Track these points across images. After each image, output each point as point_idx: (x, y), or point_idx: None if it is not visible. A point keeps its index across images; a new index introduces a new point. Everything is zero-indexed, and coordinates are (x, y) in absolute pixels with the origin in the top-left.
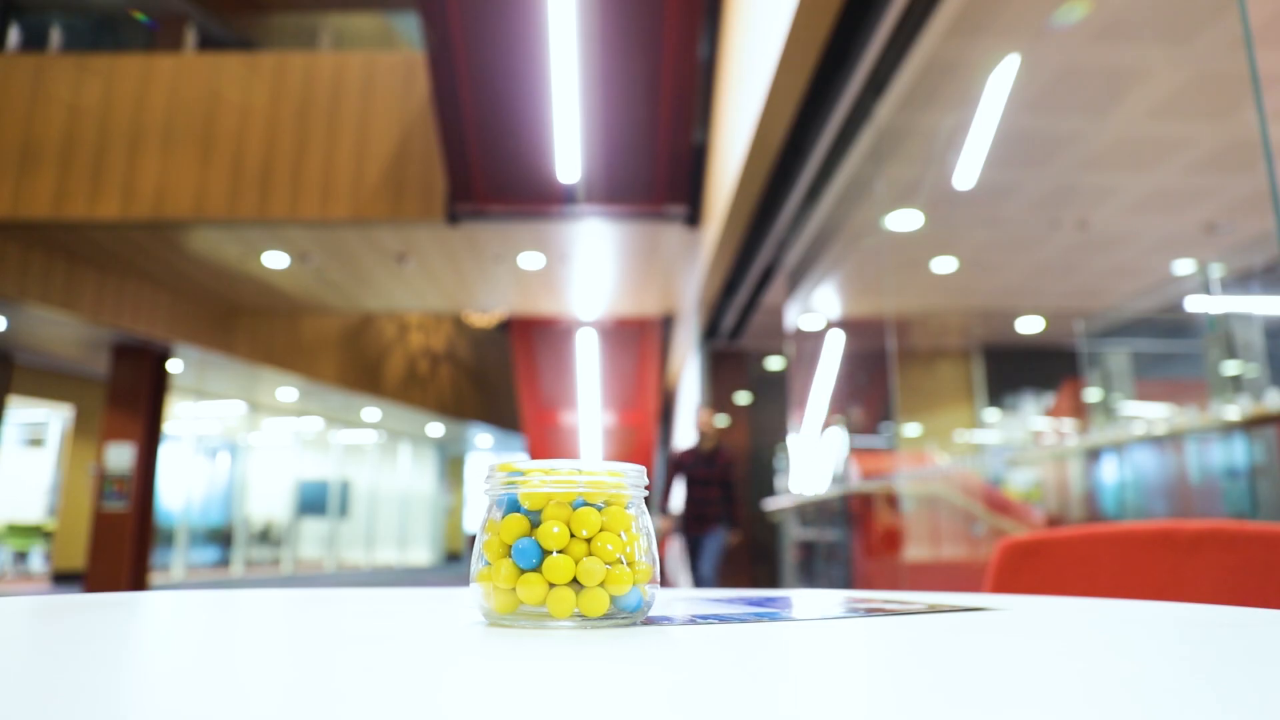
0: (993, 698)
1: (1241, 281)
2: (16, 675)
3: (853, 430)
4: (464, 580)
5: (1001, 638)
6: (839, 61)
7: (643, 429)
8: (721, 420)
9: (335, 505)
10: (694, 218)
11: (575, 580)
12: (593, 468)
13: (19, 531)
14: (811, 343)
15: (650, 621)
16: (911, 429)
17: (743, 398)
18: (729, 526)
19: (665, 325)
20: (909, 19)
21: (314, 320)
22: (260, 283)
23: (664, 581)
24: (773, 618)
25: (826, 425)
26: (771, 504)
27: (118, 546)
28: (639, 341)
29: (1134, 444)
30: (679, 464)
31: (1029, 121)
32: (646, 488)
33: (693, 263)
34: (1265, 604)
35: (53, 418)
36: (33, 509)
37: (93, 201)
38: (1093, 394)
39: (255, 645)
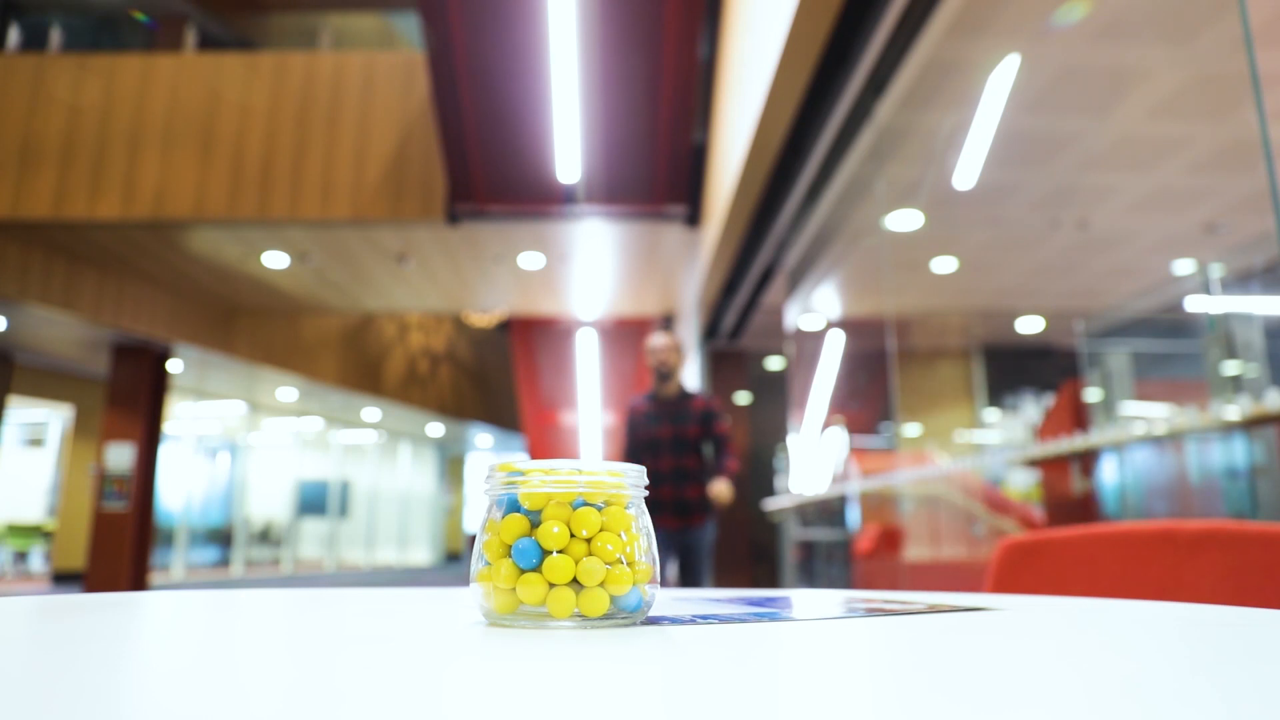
0: (993, 698)
1: (1241, 281)
2: (16, 675)
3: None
4: (464, 580)
5: (1001, 638)
6: (839, 61)
7: None
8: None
9: (335, 505)
10: (694, 218)
11: (575, 580)
12: (593, 468)
13: (19, 531)
14: (811, 343)
15: (650, 621)
16: (912, 429)
17: (743, 398)
18: (711, 508)
19: (665, 325)
20: (909, 19)
21: (314, 320)
22: (260, 283)
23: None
24: (773, 618)
25: (826, 425)
26: (771, 504)
27: (118, 546)
28: (639, 341)
29: (1134, 444)
30: (630, 424)
31: (1029, 121)
32: (646, 488)
33: (693, 263)
34: (1265, 604)
35: (53, 418)
36: (33, 509)
37: (93, 201)
38: (1093, 394)
39: (255, 645)
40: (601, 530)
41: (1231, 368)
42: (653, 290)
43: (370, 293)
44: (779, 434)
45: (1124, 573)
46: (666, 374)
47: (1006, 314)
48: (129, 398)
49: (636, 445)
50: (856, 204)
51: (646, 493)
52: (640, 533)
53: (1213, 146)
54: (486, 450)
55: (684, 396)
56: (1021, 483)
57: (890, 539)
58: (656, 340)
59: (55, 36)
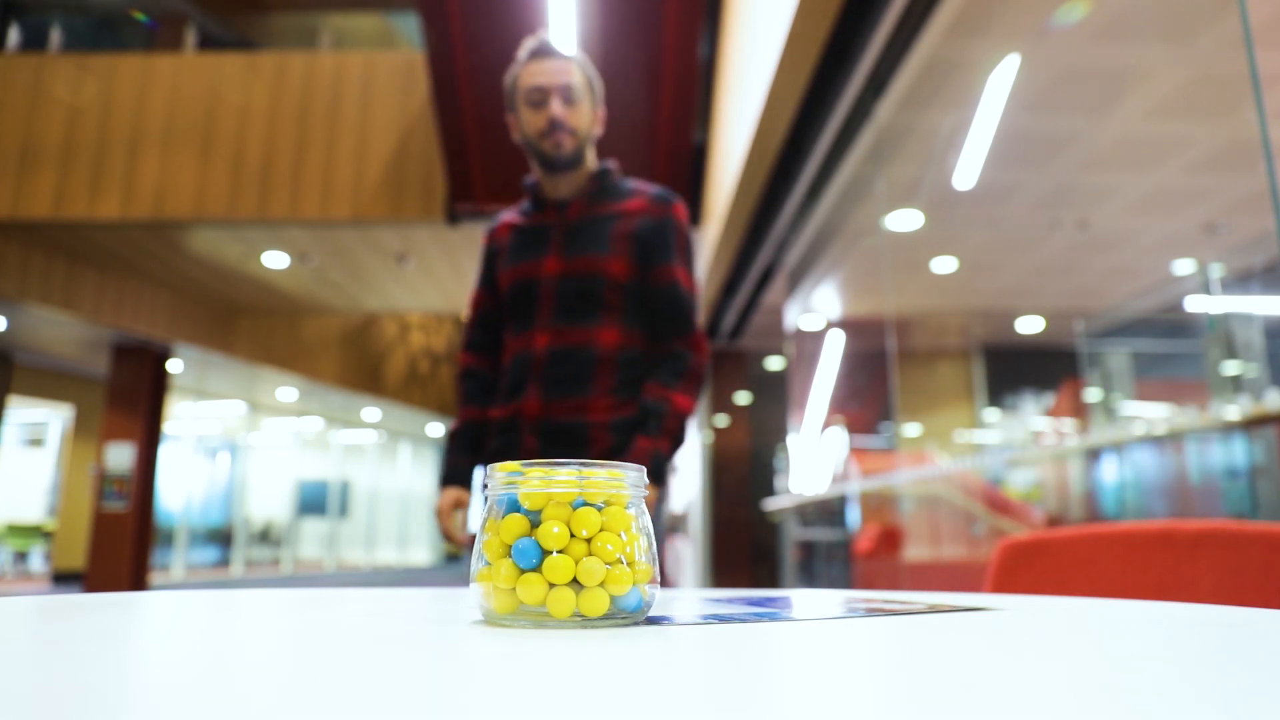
0: (993, 698)
1: (1241, 281)
2: (16, 675)
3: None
4: (464, 580)
5: (1001, 638)
6: (839, 61)
7: None
8: (721, 420)
9: (335, 505)
10: (694, 217)
11: (575, 580)
12: (592, 468)
13: (19, 531)
14: (811, 343)
15: (650, 621)
16: (912, 429)
17: (743, 398)
18: (660, 462)
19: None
20: (909, 19)
21: (314, 320)
22: (260, 283)
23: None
24: (773, 618)
25: (826, 425)
26: (771, 504)
27: (118, 546)
28: None
29: (1134, 444)
30: (485, 260)
31: (1029, 121)
32: (646, 487)
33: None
34: (1265, 604)
35: (53, 418)
36: (33, 509)
37: (93, 201)
38: (1093, 394)
39: (255, 645)
40: (601, 530)
41: (1231, 368)
42: None
43: (370, 293)
44: (779, 434)
45: (1124, 573)
46: (564, 157)
47: (1006, 314)
48: (129, 398)
49: (490, 308)
50: (856, 204)
51: (645, 493)
52: (640, 533)
53: (1213, 146)
54: None
55: (602, 193)
56: (1021, 482)
57: (890, 539)
58: (541, 68)
59: (55, 36)
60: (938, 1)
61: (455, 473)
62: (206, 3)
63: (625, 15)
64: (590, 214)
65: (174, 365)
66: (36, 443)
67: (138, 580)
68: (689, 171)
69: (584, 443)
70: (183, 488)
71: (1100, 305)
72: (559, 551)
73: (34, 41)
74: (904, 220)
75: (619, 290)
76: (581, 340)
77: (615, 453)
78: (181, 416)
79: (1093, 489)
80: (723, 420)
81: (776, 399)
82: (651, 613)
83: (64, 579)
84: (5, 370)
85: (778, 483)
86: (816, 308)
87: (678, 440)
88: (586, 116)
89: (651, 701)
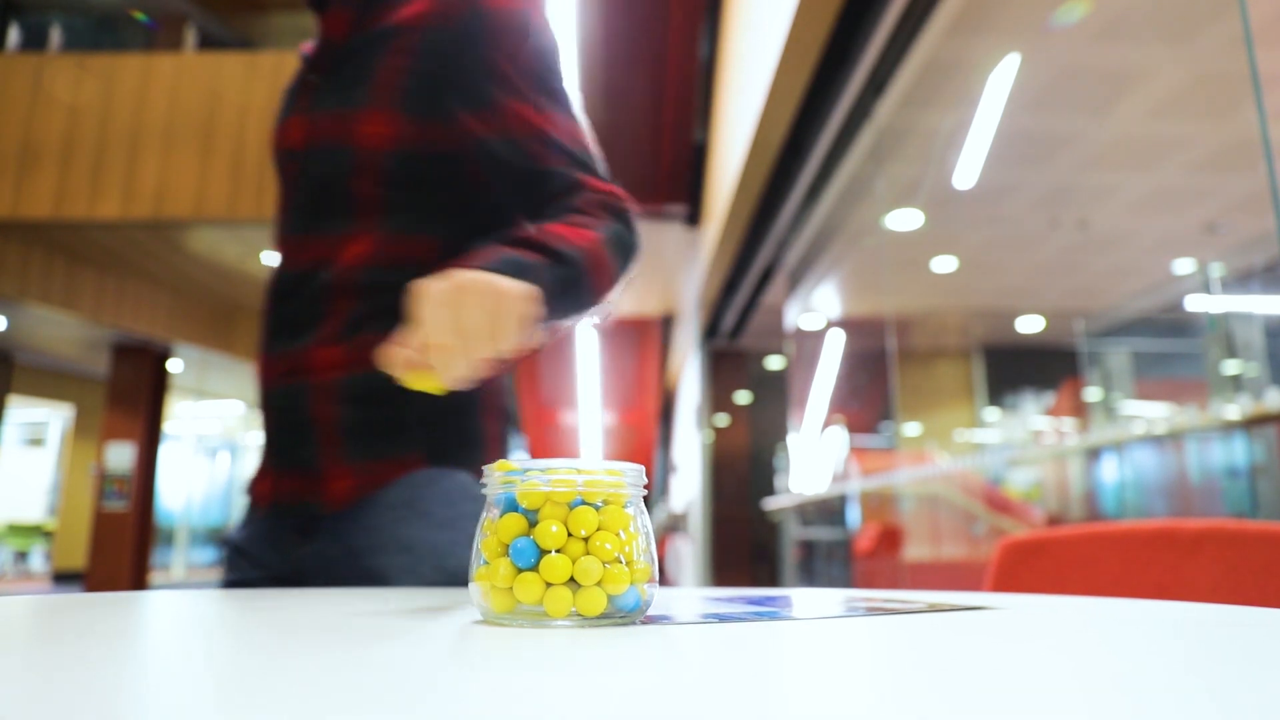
0: (993, 698)
1: (1241, 281)
2: (16, 675)
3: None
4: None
5: (1001, 637)
6: (839, 61)
7: (643, 428)
8: (721, 420)
9: None
10: (694, 217)
11: (573, 579)
12: (591, 466)
13: (19, 531)
14: (811, 342)
15: (649, 620)
16: (912, 428)
17: (743, 397)
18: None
19: (665, 325)
20: (909, 19)
21: None
22: (260, 283)
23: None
24: (773, 617)
25: (827, 424)
26: (771, 503)
27: (118, 546)
28: (639, 341)
29: (1134, 443)
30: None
31: (1029, 121)
32: (646, 486)
33: (693, 262)
34: (1265, 604)
35: (53, 418)
36: (33, 509)
37: (93, 201)
38: (1093, 393)
39: (254, 644)
40: (599, 529)
41: (1231, 367)
42: (653, 290)
43: None
44: (779, 434)
45: (1124, 572)
46: None
47: (1006, 314)
48: (129, 398)
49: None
50: (856, 204)
51: (646, 493)
52: (639, 532)
53: (1213, 146)
54: None
55: None
56: (1021, 482)
57: (890, 538)
58: None
59: (55, 36)
60: (938, 1)
61: None
62: (206, 3)
63: (626, 15)
64: (363, 33)
65: (174, 365)
66: (36, 443)
67: (138, 580)
68: (689, 171)
69: (304, 423)
70: (183, 488)
71: (1100, 305)
72: (556, 551)
73: (34, 41)
74: (904, 220)
75: (377, 170)
76: (315, 259)
77: (351, 435)
78: (181, 416)
79: (1093, 488)
80: (723, 420)
81: (776, 399)
82: (651, 612)
83: (64, 579)
84: (5, 370)
85: (778, 482)
86: (816, 307)
87: (545, 269)
88: None
89: (650, 701)
